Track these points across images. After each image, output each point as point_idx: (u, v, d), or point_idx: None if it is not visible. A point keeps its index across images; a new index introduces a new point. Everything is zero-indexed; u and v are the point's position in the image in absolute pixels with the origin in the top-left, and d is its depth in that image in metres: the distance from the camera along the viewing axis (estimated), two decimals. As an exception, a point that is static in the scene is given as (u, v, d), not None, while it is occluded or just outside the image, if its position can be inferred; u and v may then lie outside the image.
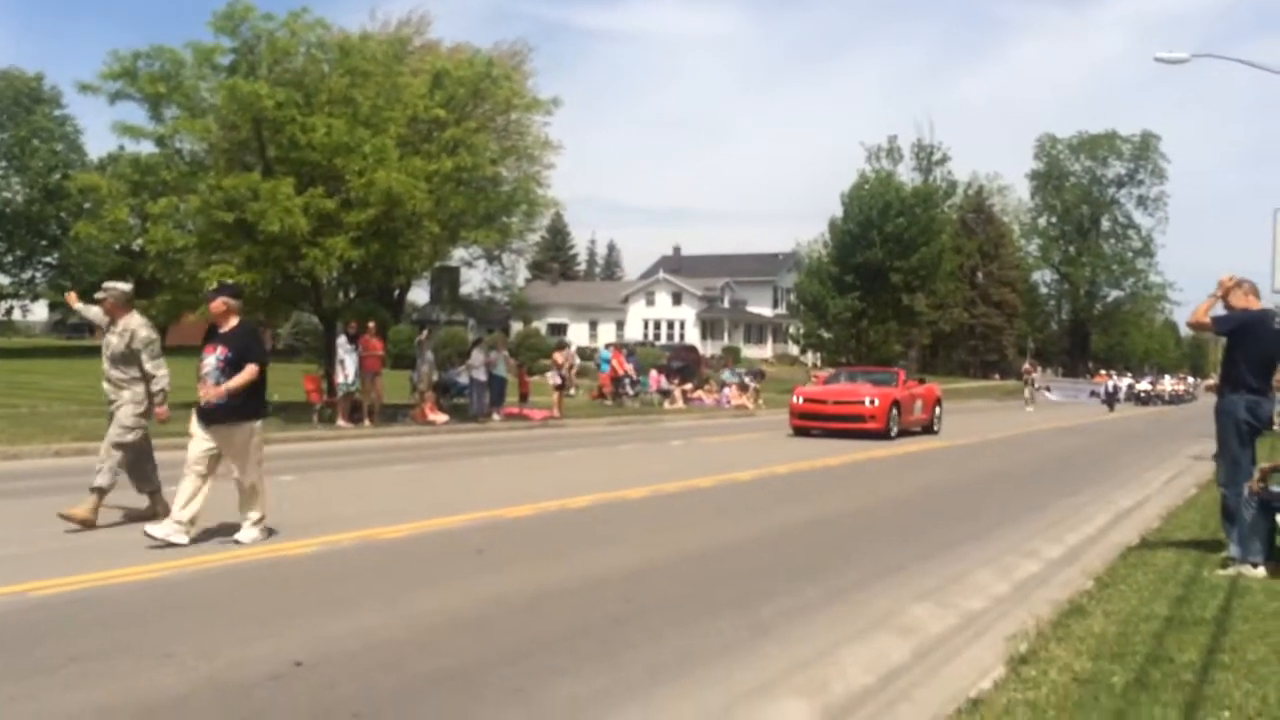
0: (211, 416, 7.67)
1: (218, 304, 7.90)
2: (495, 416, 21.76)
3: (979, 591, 6.92)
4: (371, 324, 20.10)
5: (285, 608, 5.93)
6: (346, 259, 18.60)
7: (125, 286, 8.65)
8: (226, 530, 7.89)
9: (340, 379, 18.86)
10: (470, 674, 4.83)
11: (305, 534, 8.00)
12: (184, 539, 7.40)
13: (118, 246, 41.59)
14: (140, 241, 22.55)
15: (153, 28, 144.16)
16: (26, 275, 53.66)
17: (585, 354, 43.80)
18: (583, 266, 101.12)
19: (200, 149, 20.77)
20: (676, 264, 79.41)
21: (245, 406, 7.69)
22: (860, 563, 7.74)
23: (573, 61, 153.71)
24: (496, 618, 5.89)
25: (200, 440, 7.69)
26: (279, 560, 7.18)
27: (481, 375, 21.71)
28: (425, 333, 22.66)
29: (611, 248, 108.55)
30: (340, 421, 18.52)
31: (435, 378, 21.93)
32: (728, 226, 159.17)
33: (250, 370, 7.65)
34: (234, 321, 7.91)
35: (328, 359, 20.80)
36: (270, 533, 7.88)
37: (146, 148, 20.33)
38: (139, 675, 4.64)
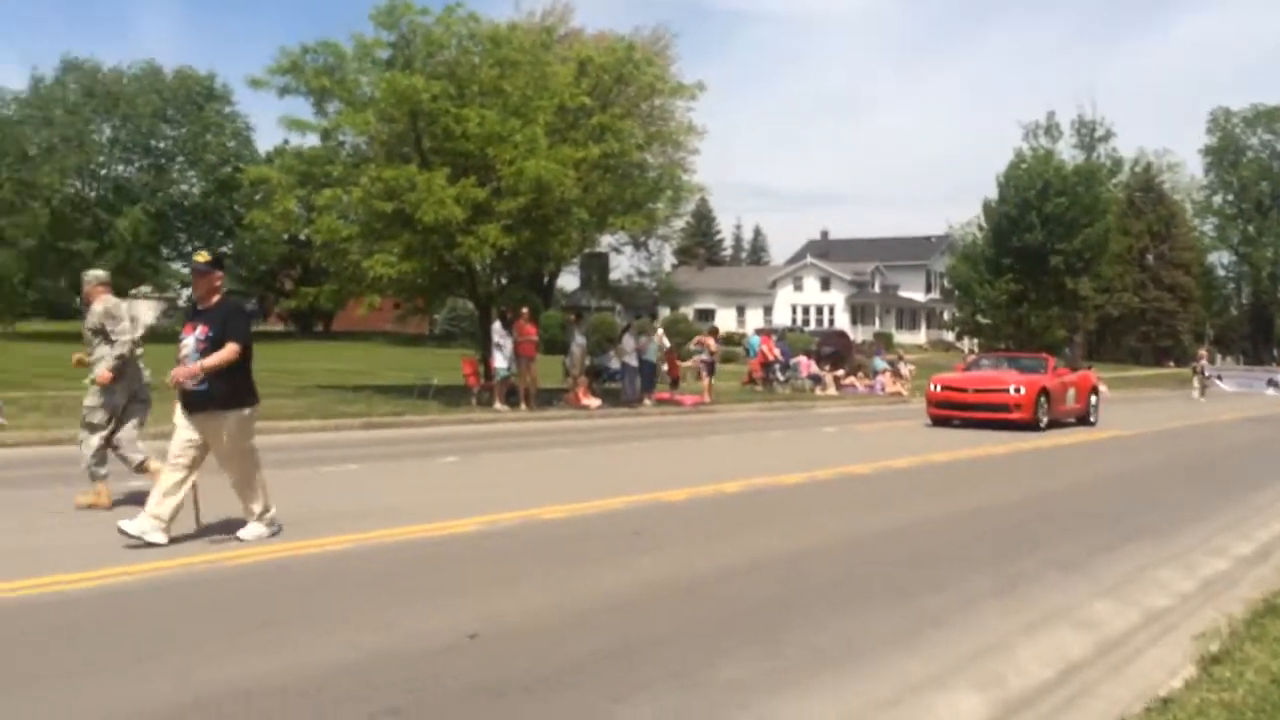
0: (193, 404, 6.91)
1: (209, 278, 7.14)
2: (647, 401, 21.90)
3: (1162, 588, 6.53)
4: (526, 310, 20.53)
5: (453, 584, 6.08)
6: (499, 246, 19.02)
7: (97, 273, 8.54)
8: (230, 526, 7.26)
9: (496, 363, 19.31)
10: (631, 655, 4.84)
11: (468, 513, 8.20)
12: (161, 538, 6.69)
13: (286, 236, 43.82)
14: (306, 231, 23.65)
15: (318, 26, 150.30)
16: (205, 265, 57.00)
17: (732, 339, 43.56)
18: (729, 252, 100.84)
19: (361, 141, 21.58)
20: (824, 248, 78.26)
21: (230, 393, 6.90)
22: (1030, 554, 7.42)
23: (716, 45, 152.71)
24: (655, 599, 5.90)
25: (182, 430, 6.99)
26: (445, 538, 7.38)
27: (633, 360, 21.89)
28: (575, 317, 22.97)
29: (757, 232, 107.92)
30: (497, 405, 18.98)
31: (587, 363, 22.23)
32: (876, 209, 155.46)
33: (230, 349, 6.84)
34: (216, 299, 7.14)
35: (484, 344, 21.34)
36: (277, 528, 7.20)
37: (311, 141, 21.31)
38: (324, 642, 4.84)
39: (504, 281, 24.20)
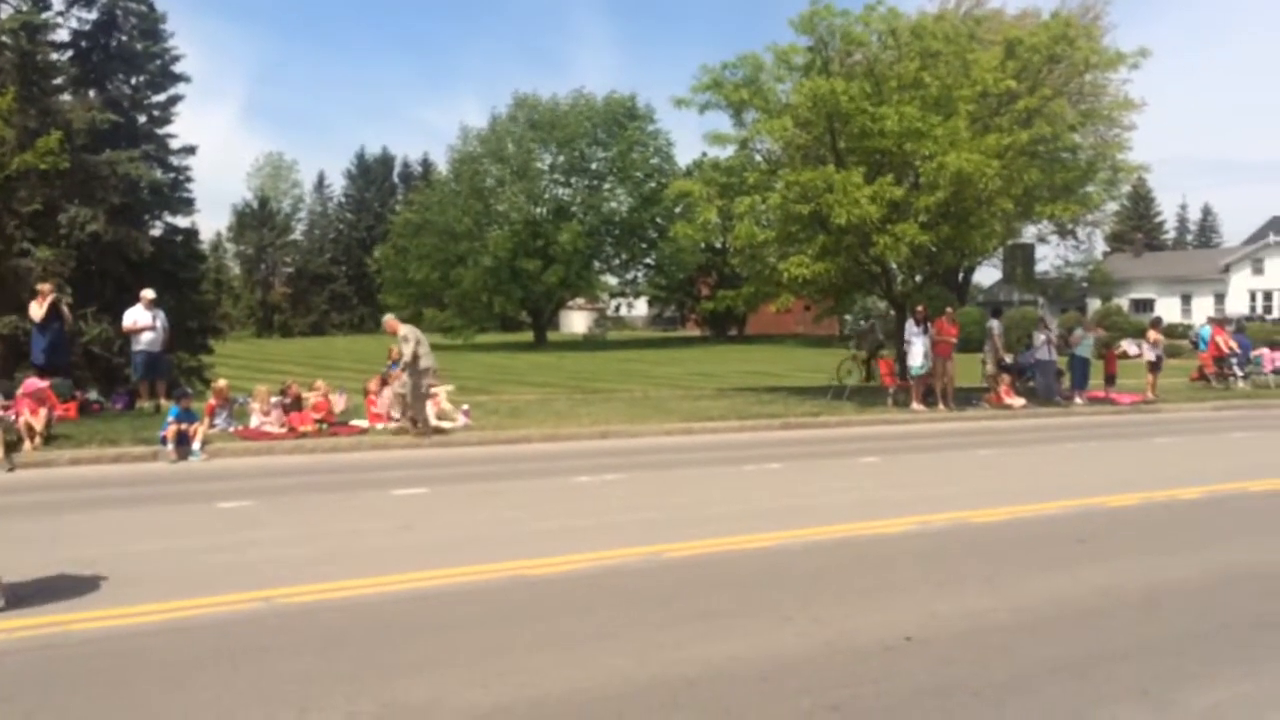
0: None
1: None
2: (1078, 400, 20.42)
3: None
4: (950, 310, 19.93)
5: (889, 583, 6.07)
6: (916, 244, 18.58)
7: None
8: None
9: (911, 362, 18.93)
10: (1087, 668, 4.58)
11: (896, 513, 8.14)
12: None
13: (703, 245, 45.94)
14: (722, 239, 24.60)
15: (734, 45, 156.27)
16: (630, 276, 61.36)
17: (1174, 331, 39.27)
18: (1170, 234, 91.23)
19: (776, 148, 22.03)
20: (1290, 225, 68.20)
21: None
22: None
23: (1149, 8, 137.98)
24: (1108, 610, 5.52)
25: None
26: (874, 538, 7.37)
27: (1044, 355, 20.54)
28: (993, 313, 21.91)
29: (1206, 212, 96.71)
30: (914, 405, 18.61)
31: (1008, 360, 21.14)
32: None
33: None
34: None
35: (898, 343, 20.99)
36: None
37: (728, 153, 22.11)
38: (763, 634, 5.05)
39: (918, 279, 23.62)
